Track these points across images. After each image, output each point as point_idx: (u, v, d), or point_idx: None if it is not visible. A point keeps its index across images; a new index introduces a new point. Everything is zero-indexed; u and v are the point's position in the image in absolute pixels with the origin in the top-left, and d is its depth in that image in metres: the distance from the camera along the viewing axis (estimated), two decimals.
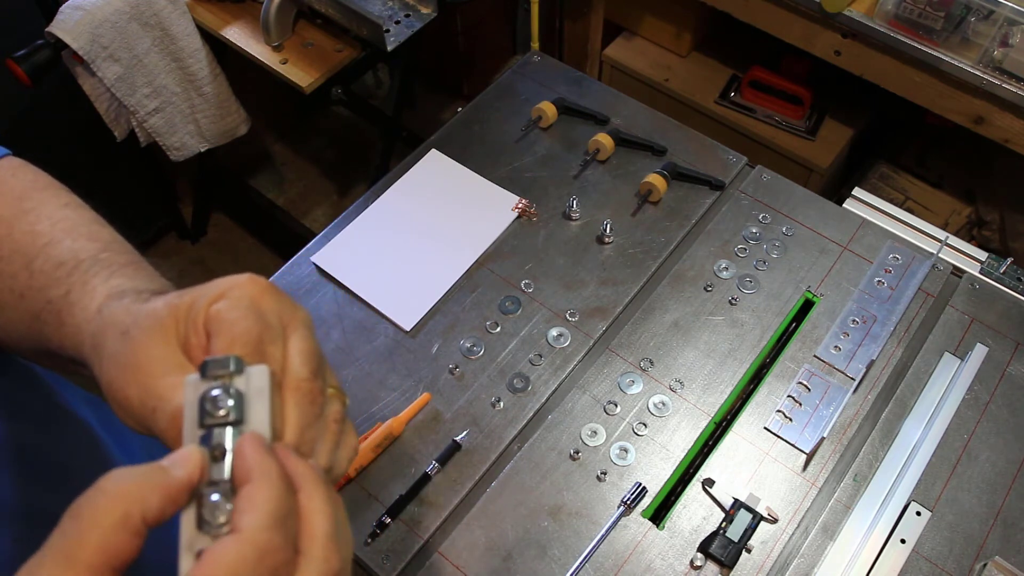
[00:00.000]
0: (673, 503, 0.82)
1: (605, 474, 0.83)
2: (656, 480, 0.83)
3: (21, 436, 0.56)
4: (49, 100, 1.71)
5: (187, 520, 0.33)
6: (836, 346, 0.92)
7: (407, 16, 1.41)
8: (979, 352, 0.91)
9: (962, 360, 0.90)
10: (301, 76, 1.43)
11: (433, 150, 1.10)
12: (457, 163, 1.09)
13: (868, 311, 0.94)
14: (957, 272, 0.99)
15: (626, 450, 0.85)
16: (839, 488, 0.83)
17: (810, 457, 0.84)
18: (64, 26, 1.37)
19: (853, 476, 0.83)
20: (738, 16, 1.53)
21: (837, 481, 0.83)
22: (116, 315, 0.41)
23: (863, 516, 0.81)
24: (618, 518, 0.81)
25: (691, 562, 0.78)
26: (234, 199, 2.32)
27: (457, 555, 0.79)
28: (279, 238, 2.26)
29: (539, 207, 1.04)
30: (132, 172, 2.03)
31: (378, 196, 1.06)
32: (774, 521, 0.80)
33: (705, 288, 0.97)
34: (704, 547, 0.78)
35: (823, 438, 0.83)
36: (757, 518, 0.80)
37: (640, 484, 0.82)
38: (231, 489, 0.34)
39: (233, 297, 0.39)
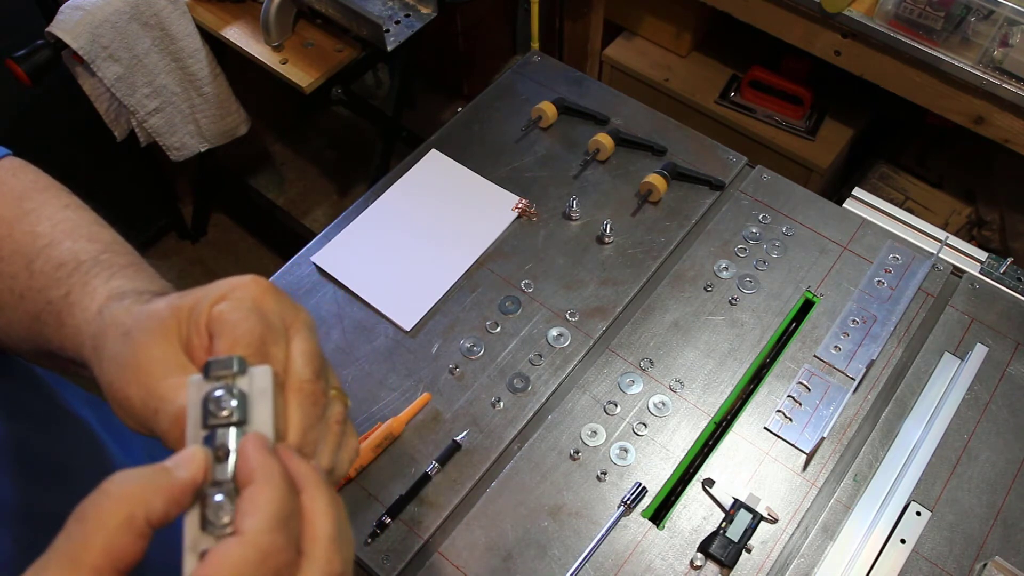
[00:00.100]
0: (673, 503, 0.82)
1: (605, 474, 0.83)
2: (656, 480, 0.83)
3: (21, 436, 0.56)
4: (49, 100, 1.71)
5: (191, 520, 0.34)
6: (836, 346, 0.92)
7: (407, 16, 1.41)
8: (979, 352, 0.91)
9: (962, 360, 0.90)
10: (301, 76, 1.43)
11: (433, 150, 1.10)
12: (457, 163, 1.09)
13: (868, 311, 0.94)
14: (957, 272, 0.99)
15: (626, 450, 0.85)
16: (839, 488, 0.83)
17: (810, 457, 0.84)
18: (64, 26, 1.37)
19: (853, 476, 0.83)
20: (738, 16, 1.53)
21: (837, 481, 0.83)
22: (117, 316, 0.41)
23: (863, 516, 0.81)
24: (618, 518, 0.81)
25: (691, 562, 0.78)
26: (234, 199, 2.32)
27: (457, 555, 0.79)
28: (279, 238, 2.26)
29: (539, 207, 1.04)
30: (132, 172, 2.03)
31: (378, 196, 1.06)
32: (774, 521, 0.80)
33: (705, 288, 0.97)
34: (704, 547, 0.78)
35: (823, 438, 0.83)
36: (757, 518, 0.80)
37: (640, 484, 0.82)
38: (234, 489, 0.34)
39: (236, 298, 0.39)
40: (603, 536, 0.79)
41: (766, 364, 0.92)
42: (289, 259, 1.01)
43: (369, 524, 0.80)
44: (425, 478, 0.83)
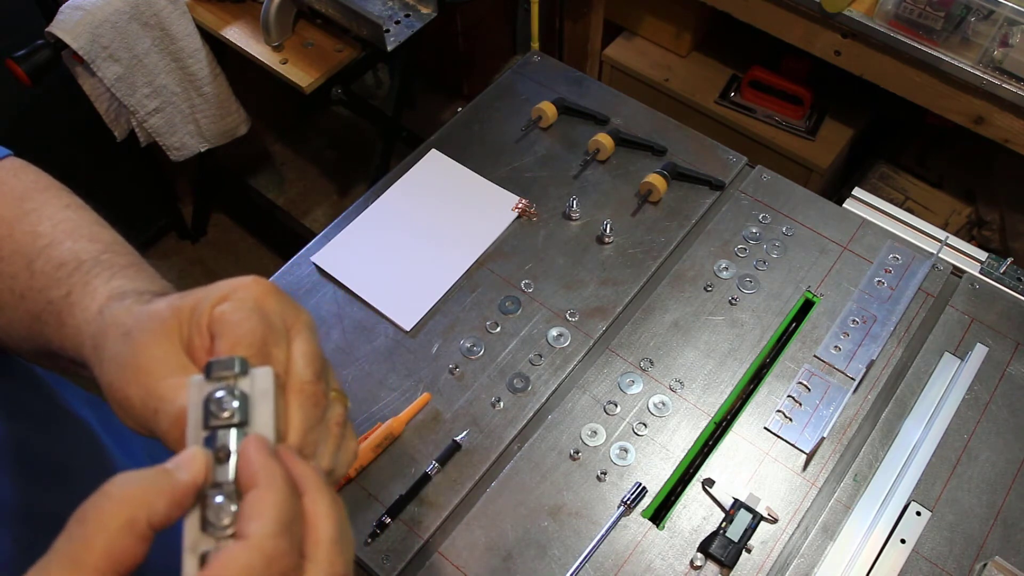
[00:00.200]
0: (673, 503, 0.82)
1: (605, 474, 0.83)
2: (656, 480, 0.83)
3: (21, 436, 0.56)
4: (49, 100, 1.71)
5: (191, 522, 0.33)
6: (836, 346, 0.92)
7: (407, 16, 1.41)
8: (979, 352, 0.91)
9: (962, 360, 0.90)
10: (301, 76, 1.43)
11: (433, 150, 1.10)
12: (457, 163, 1.09)
13: (868, 311, 0.94)
14: (957, 272, 0.99)
15: (626, 450, 0.85)
16: (839, 488, 0.83)
17: (810, 457, 0.84)
18: (64, 26, 1.37)
19: (853, 476, 0.83)
20: (738, 16, 1.53)
21: (837, 481, 0.83)
22: (118, 316, 0.41)
23: (863, 516, 0.81)
24: (618, 518, 0.81)
25: (691, 562, 0.78)
26: (234, 199, 2.32)
27: (457, 555, 0.79)
28: (279, 238, 2.26)
29: (539, 207, 1.04)
30: (132, 172, 2.03)
31: (378, 196, 1.06)
32: (774, 521, 0.80)
33: (705, 288, 0.97)
34: (704, 547, 0.78)
35: (823, 438, 0.83)
36: (757, 518, 0.80)
37: (640, 484, 0.82)
38: (235, 491, 0.34)
39: (237, 299, 0.39)
40: (603, 536, 0.79)
41: (766, 364, 0.92)
42: (289, 259, 1.01)
43: (369, 524, 0.80)
44: (425, 478, 0.83)
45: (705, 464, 0.84)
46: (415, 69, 2.36)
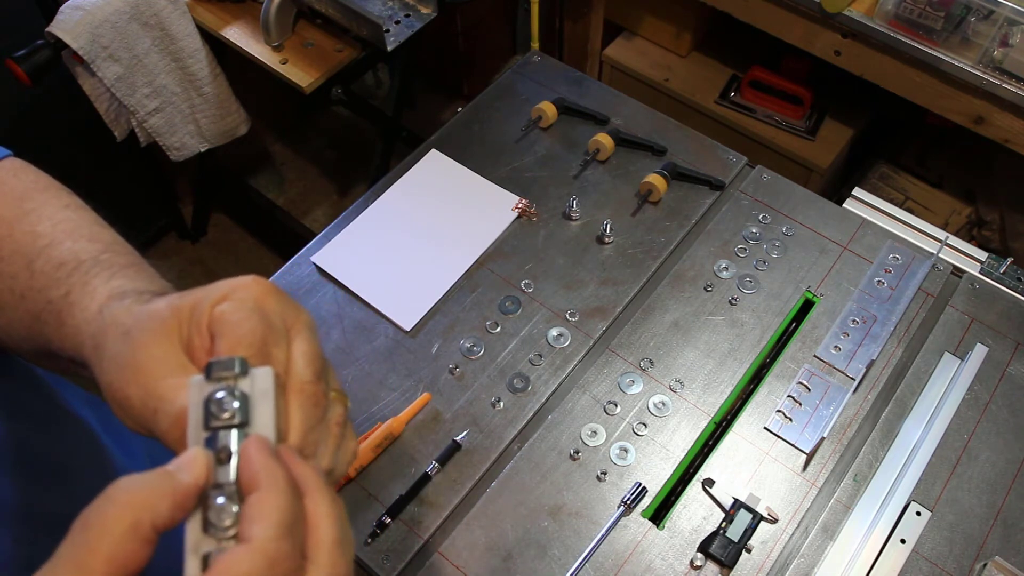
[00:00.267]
0: (673, 503, 0.82)
1: (605, 474, 0.83)
2: (656, 480, 0.83)
3: (21, 436, 0.56)
4: (49, 100, 1.71)
5: (192, 523, 0.33)
6: (836, 346, 0.92)
7: (407, 16, 1.41)
8: (979, 352, 0.91)
9: (962, 360, 0.90)
10: (301, 76, 1.43)
11: (433, 150, 1.10)
12: (457, 163, 1.09)
13: (868, 311, 0.94)
14: (957, 272, 0.99)
15: (626, 450, 0.85)
16: (839, 488, 0.83)
17: (810, 457, 0.84)
18: (64, 26, 1.37)
19: (853, 476, 0.83)
20: (738, 16, 1.53)
21: (837, 481, 0.83)
22: (117, 316, 0.41)
23: (863, 516, 0.81)
24: (618, 518, 0.81)
25: (691, 562, 0.78)
26: (234, 199, 2.32)
27: (457, 555, 0.79)
28: (279, 238, 2.26)
29: (539, 207, 1.04)
30: (132, 172, 2.03)
31: (378, 196, 1.06)
32: (774, 521, 0.80)
33: (705, 288, 0.97)
34: (704, 547, 0.78)
35: (823, 438, 0.83)
36: (757, 518, 0.80)
37: (640, 484, 0.82)
38: (236, 492, 0.34)
39: (238, 299, 0.39)
40: (603, 536, 0.79)
41: (766, 364, 0.92)
42: (289, 259, 1.01)
43: (369, 524, 0.80)
44: (425, 478, 0.83)
45: (705, 464, 0.84)
46: (415, 69, 2.36)
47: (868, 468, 0.84)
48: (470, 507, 0.82)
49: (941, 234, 1.03)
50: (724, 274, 0.98)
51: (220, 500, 0.33)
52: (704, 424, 0.87)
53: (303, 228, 2.15)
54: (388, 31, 1.38)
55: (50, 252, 0.48)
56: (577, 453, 0.85)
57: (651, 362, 0.91)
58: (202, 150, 1.71)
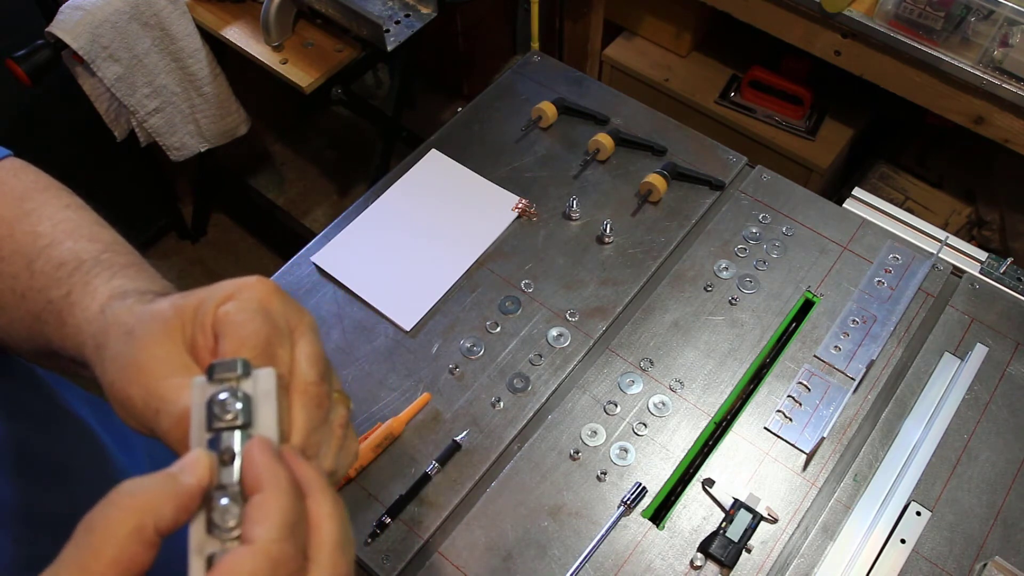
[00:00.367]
0: (673, 503, 0.82)
1: (605, 474, 0.83)
2: (656, 480, 0.83)
3: (21, 436, 0.56)
4: (49, 100, 1.71)
5: (196, 524, 0.33)
6: (836, 346, 0.92)
7: (407, 16, 1.41)
8: (979, 352, 0.91)
9: (962, 360, 0.90)
10: (301, 76, 1.43)
11: (433, 150, 1.10)
12: (457, 163, 1.09)
13: (868, 311, 0.94)
14: (957, 272, 0.99)
15: (626, 450, 0.85)
16: (839, 488, 0.83)
17: (810, 457, 0.84)
18: (64, 26, 1.37)
19: (853, 476, 0.83)
20: (738, 16, 1.53)
21: (837, 481, 0.83)
22: (120, 315, 0.41)
23: (863, 516, 0.81)
24: (618, 518, 0.81)
25: (691, 562, 0.78)
26: (234, 199, 2.32)
27: (457, 555, 0.79)
28: (279, 238, 2.26)
29: (539, 207, 1.04)
30: (132, 172, 2.03)
31: (378, 196, 1.06)
32: (774, 521, 0.80)
33: (705, 288, 0.97)
34: (704, 547, 0.78)
35: (823, 438, 0.83)
36: (757, 518, 0.80)
37: (640, 484, 0.82)
38: (240, 493, 0.34)
39: (242, 299, 0.39)
40: (603, 536, 0.79)
41: (766, 364, 0.92)
42: (289, 259, 1.01)
43: (369, 524, 0.80)
44: (425, 478, 0.83)
45: (705, 464, 0.84)
46: (415, 69, 2.36)
47: (868, 468, 0.84)
48: (470, 507, 0.82)
49: (941, 234, 1.03)
50: (724, 274, 0.98)
51: (224, 501, 0.33)
52: (704, 424, 0.87)
53: (303, 228, 2.15)
54: (388, 31, 1.38)
55: (50, 252, 0.48)
56: (577, 453, 0.85)
57: (651, 362, 0.91)
58: (202, 150, 1.71)
